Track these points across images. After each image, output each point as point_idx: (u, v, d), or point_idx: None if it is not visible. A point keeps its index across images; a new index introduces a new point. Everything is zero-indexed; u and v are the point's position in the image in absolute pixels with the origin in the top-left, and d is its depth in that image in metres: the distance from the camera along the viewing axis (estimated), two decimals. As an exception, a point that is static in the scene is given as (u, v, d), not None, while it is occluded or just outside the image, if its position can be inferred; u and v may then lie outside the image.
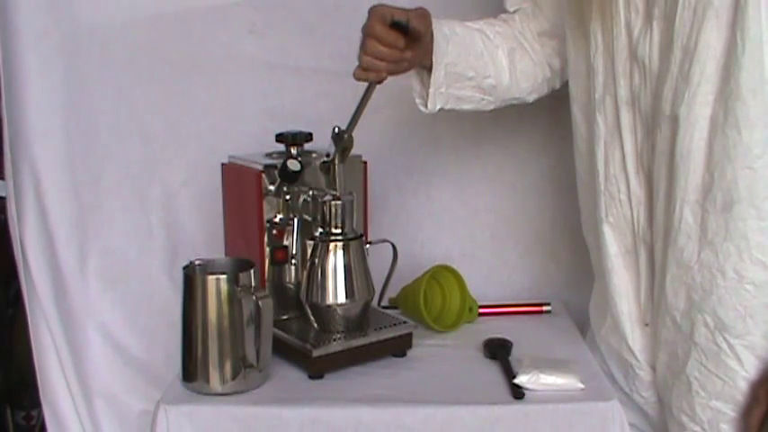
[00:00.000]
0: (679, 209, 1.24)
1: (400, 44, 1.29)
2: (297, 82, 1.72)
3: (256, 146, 1.56)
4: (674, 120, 1.22)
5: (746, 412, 1.22)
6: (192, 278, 1.32)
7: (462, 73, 1.43)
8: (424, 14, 1.33)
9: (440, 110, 1.44)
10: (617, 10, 1.28)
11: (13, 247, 1.64)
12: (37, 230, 1.64)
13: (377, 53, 1.29)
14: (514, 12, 1.53)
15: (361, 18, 1.31)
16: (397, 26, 1.27)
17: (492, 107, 1.51)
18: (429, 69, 1.39)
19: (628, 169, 1.33)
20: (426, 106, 1.43)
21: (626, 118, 1.31)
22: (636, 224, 1.35)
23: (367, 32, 1.28)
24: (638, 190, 1.33)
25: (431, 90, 1.41)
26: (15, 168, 1.60)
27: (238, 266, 1.35)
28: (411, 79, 1.43)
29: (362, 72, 1.31)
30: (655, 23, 1.24)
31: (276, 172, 1.43)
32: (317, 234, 1.42)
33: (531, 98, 1.53)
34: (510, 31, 1.50)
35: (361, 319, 1.44)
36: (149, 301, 1.72)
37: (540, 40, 1.51)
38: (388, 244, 1.49)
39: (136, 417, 1.67)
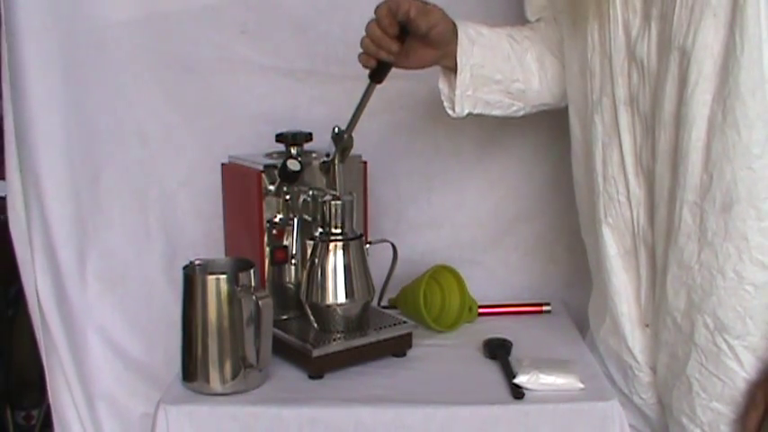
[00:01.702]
0: (679, 209, 1.24)
1: (391, 32, 1.29)
2: (290, 85, 1.69)
3: (251, 148, 1.56)
4: (675, 120, 1.22)
5: (744, 415, 1.22)
6: (191, 278, 1.32)
7: (489, 76, 1.42)
8: (429, 10, 1.31)
9: (468, 114, 1.43)
10: (614, 9, 1.28)
11: (12, 247, 1.64)
12: (37, 231, 1.63)
13: (371, 34, 1.30)
14: (536, 20, 1.52)
15: (357, 18, 1.31)
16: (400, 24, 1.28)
17: (522, 113, 1.49)
18: (456, 72, 1.38)
19: (627, 170, 1.33)
20: (454, 110, 1.42)
21: (624, 118, 1.31)
22: (636, 225, 1.35)
23: (374, 12, 1.29)
24: (637, 190, 1.33)
25: (457, 92, 1.40)
26: (18, 169, 1.60)
27: (238, 266, 1.35)
28: (439, 82, 1.43)
29: (362, 54, 1.32)
30: (653, 23, 1.24)
31: (276, 172, 1.43)
32: (317, 234, 1.42)
33: (563, 104, 1.50)
34: (538, 36, 1.49)
35: (360, 319, 1.44)
36: (149, 303, 1.71)
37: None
38: (388, 244, 1.49)
39: (138, 420, 1.66)
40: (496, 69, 1.42)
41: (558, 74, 1.48)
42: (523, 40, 1.47)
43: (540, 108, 1.51)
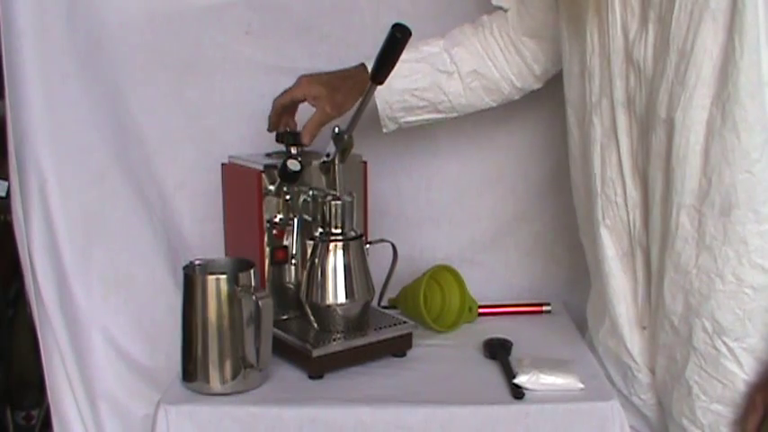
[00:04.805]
0: (676, 213, 1.24)
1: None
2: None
3: (252, 148, 1.57)
4: (670, 123, 1.22)
5: (743, 418, 1.22)
6: (192, 278, 1.32)
7: (413, 104, 1.52)
8: (337, 106, 1.45)
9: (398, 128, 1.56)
10: (613, 11, 1.28)
11: (13, 247, 1.64)
12: (41, 232, 1.63)
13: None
14: (494, 11, 1.54)
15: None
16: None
17: (457, 116, 1.58)
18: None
19: (624, 172, 1.33)
20: (383, 128, 1.54)
21: (622, 120, 1.31)
22: (632, 227, 1.35)
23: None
24: (633, 193, 1.33)
25: (381, 123, 1.52)
26: (20, 169, 1.60)
27: (238, 266, 1.35)
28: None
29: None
30: (650, 26, 1.24)
31: (276, 172, 1.43)
32: (317, 234, 1.42)
33: (498, 105, 1.58)
34: (476, 46, 1.53)
35: (360, 319, 1.44)
36: (153, 304, 1.71)
37: (522, 42, 1.52)
38: (388, 244, 1.49)
39: (139, 421, 1.66)
40: (419, 98, 1.52)
41: (490, 85, 1.55)
42: (452, 60, 1.52)
43: (479, 110, 1.58)
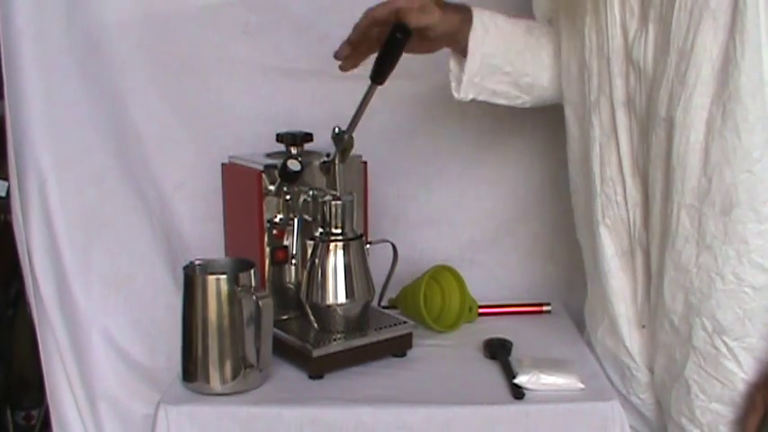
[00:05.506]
0: (676, 212, 1.24)
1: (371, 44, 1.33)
2: (291, 84, 1.69)
3: (251, 148, 1.57)
4: (670, 122, 1.22)
5: (743, 417, 1.22)
6: (192, 278, 1.32)
7: (499, 66, 1.41)
8: (426, 10, 1.31)
9: (472, 100, 1.43)
10: (612, 11, 1.28)
11: (13, 247, 1.64)
12: (41, 232, 1.63)
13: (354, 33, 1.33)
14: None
15: (358, 19, 1.31)
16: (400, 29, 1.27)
17: (528, 105, 1.50)
18: (466, 56, 1.38)
19: (624, 171, 1.33)
20: (459, 93, 1.42)
21: (622, 119, 1.31)
22: (632, 226, 1.35)
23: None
24: (634, 192, 1.33)
25: (464, 78, 1.40)
26: (19, 169, 1.60)
27: (238, 266, 1.35)
28: (449, 62, 1.42)
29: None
30: (650, 25, 1.24)
31: (276, 172, 1.43)
32: (317, 234, 1.42)
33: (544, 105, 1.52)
34: (554, 35, 1.48)
35: (361, 319, 1.44)
36: (153, 304, 1.71)
37: None
38: (388, 244, 1.49)
39: (139, 420, 1.66)
40: (507, 61, 1.42)
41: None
42: (541, 36, 1.46)
43: (547, 102, 1.51)
